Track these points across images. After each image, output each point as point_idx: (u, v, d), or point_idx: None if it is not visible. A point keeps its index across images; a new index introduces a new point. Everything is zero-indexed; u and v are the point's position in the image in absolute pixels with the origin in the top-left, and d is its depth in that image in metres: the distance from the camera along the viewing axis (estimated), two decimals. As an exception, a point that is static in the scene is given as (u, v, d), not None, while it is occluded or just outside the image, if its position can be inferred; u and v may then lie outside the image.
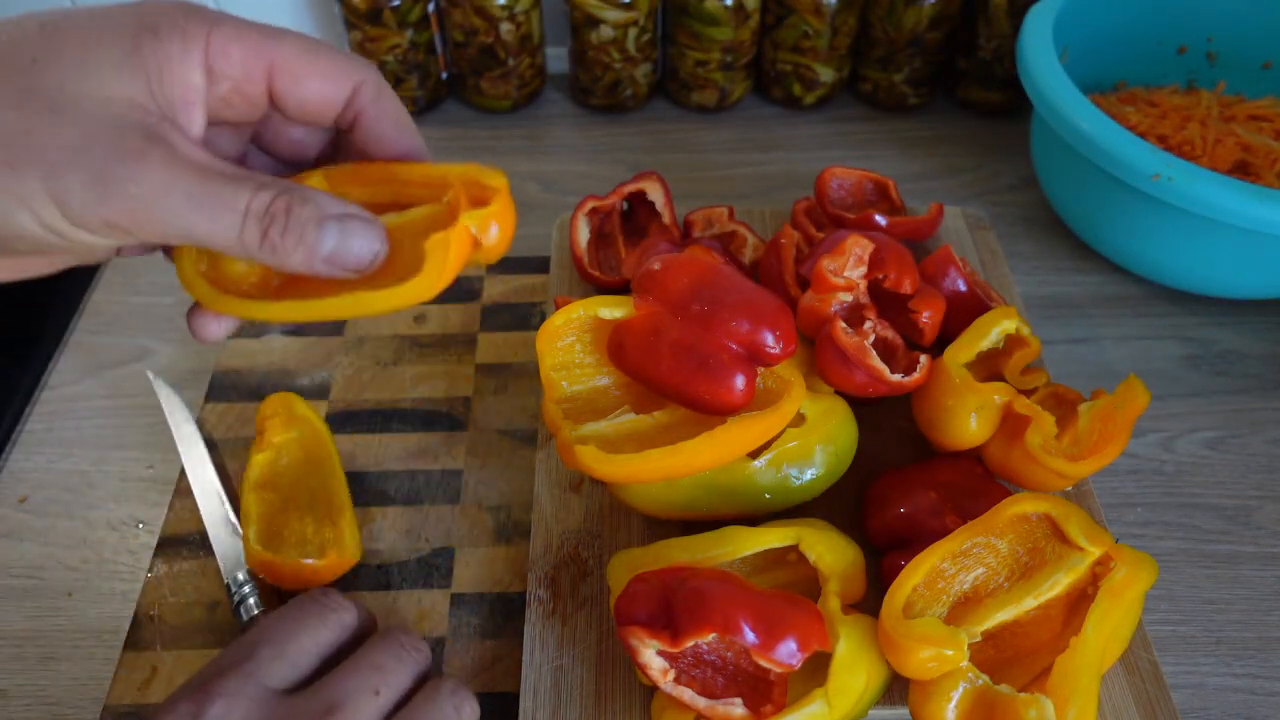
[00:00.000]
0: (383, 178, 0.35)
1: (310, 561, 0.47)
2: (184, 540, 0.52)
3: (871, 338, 0.47)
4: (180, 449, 0.54)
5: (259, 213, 0.29)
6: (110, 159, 0.27)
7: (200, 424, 0.56)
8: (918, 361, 0.47)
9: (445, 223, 0.33)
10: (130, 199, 0.27)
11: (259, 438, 0.53)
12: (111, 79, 0.28)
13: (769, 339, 0.42)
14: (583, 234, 0.59)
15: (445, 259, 0.32)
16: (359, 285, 0.32)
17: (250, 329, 0.62)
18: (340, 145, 0.37)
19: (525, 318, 0.63)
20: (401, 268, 0.32)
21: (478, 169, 0.34)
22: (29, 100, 0.27)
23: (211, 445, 0.56)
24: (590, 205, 0.59)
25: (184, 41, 0.29)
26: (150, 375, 0.58)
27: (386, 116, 0.33)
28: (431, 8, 0.76)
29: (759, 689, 0.39)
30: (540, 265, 0.65)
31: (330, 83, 0.32)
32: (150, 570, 0.50)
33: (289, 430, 0.53)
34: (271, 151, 0.37)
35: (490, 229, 0.33)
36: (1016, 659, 0.40)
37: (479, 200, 0.33)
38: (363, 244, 0.30)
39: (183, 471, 0.54)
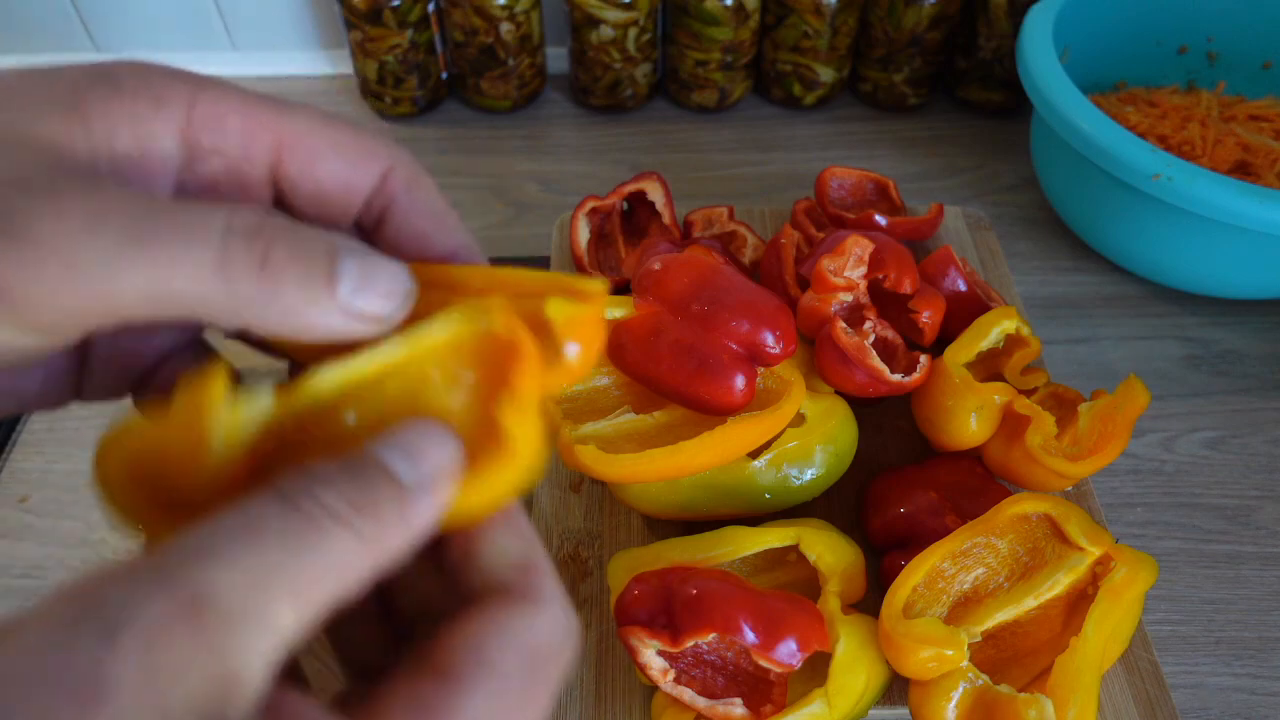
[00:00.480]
0: (443, 281, 0.25)
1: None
2: (184, 540, 0.51)
3: (871, 338, 0.47)
4: None
5: (247, 230, 0.20)
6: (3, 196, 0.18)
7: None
8: (918, 361, 0.47)
9: (502, 355, 0.22)
10: (33, 248, 0.18)
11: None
12: (35, 120, 0.20)
13: (769, 339, 0.42)
14: (583, 234, 0.59)
15: (529, 426, 0.21)
16: None
17: (250, 329, 0.62)
18: None
19: (525, 318, 0.63)
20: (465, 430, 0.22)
21: (569, 277, 0.24)
22: None
23: None
24: (590, 205, 0.59)
25: (156, 105, 0.21)
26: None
27: (423, 209, 0.26)
28: (431, 8, 0.76)
29: (759, 689, 0.39)
30: (540, 265, 0.65)
31: (354, 166, 0.24)
32: (150, 570, 0.50)
33: None
34: None
35: (566, 346, 0.23)
36: (1016, 659, 0.40)
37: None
38: (390, 280, 0.22)
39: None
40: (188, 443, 0.19)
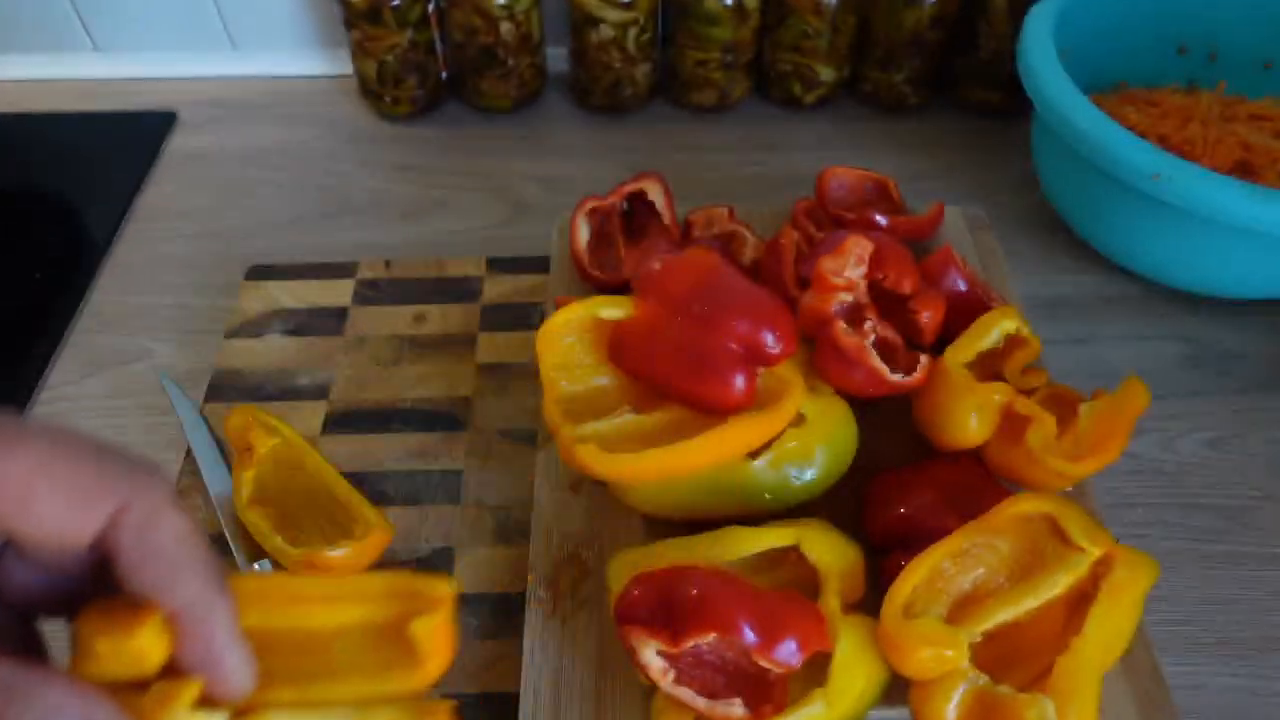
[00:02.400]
0: (285, 595, 0.28)
1: (339, 552, 0.45)
2: (184, 540, 0.51)
3: (871, 338, 0.47)
4: (194, 451, 0.54)
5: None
6: None
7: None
8: (918, 361, 0.47)
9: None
10: None
11: (244, 454, 0.51)
12: None
13: (769, 339, 0.42)
14: (583, 234, 0.59)
15: (437, 640, 0.27)
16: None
17: (250, 327, 0.62)
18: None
19: (525, 318, 0.63)
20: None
21: (415, 582, 0.28)
22: None
23: (221, 446, 0.55)
24: (590, 205, 0.59)
25: None
26: (164, 379, 0.58)
27: (155, 555, 0.23)
28: (431, 7, 0.76)
29: (759, 689, 0.39)
30: (540, 265, 0.65)
31: (75, 509, 0.22)
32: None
33: (271, 437, 0.51)
34: None
35: (429, 641, 0.27)
36: (1017, 659, 0.39)
37: (406, 626, 0.27)
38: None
39: (182, 471, 0.54)
40: None
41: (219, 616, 0.24)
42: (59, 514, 0.22)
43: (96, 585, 0.24)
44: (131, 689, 0.23)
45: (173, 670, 0.24)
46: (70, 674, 0.23)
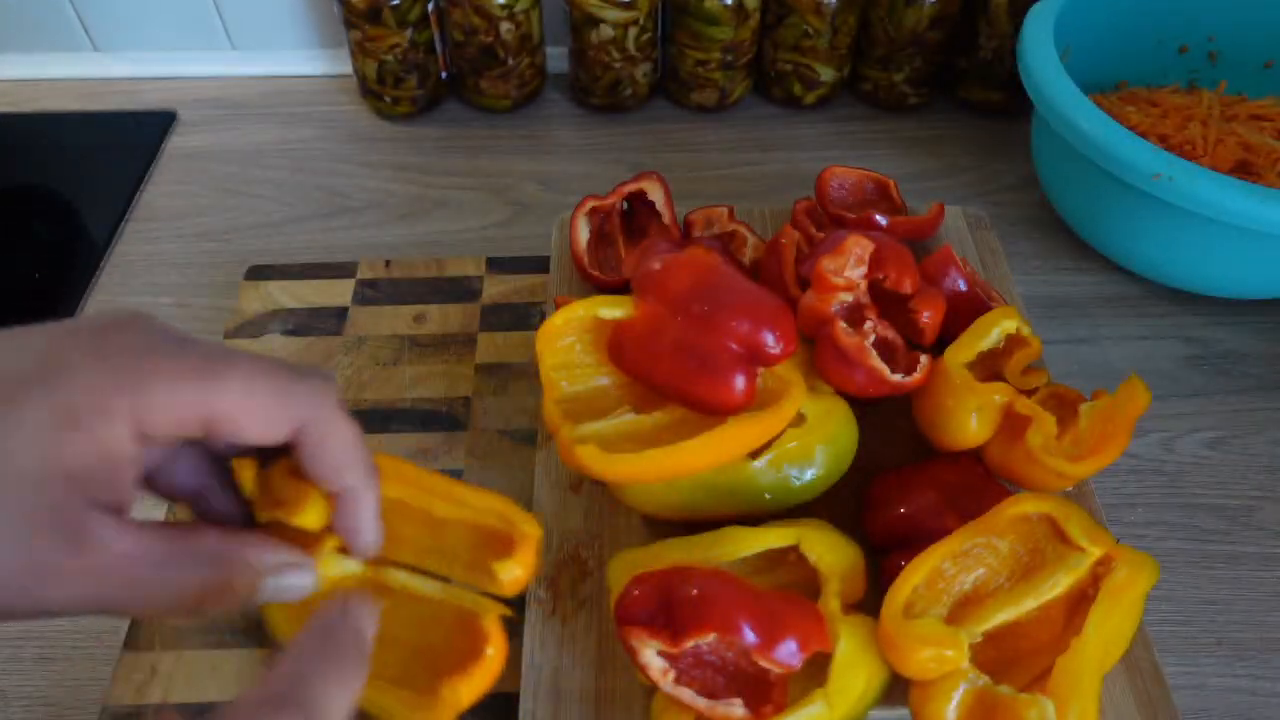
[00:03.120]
0: (421, 485, 0.36)
1: (511, 575, 0.36)
2: (183, 540, 0.51)
3: (871, 338, 0.47)
4: None
5: (195, 593, 0.28)
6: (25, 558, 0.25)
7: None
8: (918, 361, 0.47)
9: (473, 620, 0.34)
10: (32, 600, 0.26)
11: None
12: (36, 463, 0.25)
13: (769, 339, 0.42)
14: (583, 234, 0.59)
15: (520, 562, 0.35)
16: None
17: (249, 327, 0.62)
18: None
19: (525, 318, 0.63)
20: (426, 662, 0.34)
21: (513, 511, 0.35)
22: None
23: None
24: (590, 205, 0.59)
25: (108, 423, 0.26)
26: None
27: (327, 458, 0.31)
28: (431, 7, 0.76)
29: (759, 689, 0.39)
30: (540, 265, 0.65)
31: (272, 425, 0.29)
32: (149, 570, 0.50)
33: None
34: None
35: (511, 571, 0.35)
36: (1017, 659, 0.39)
37: (505, 539, 0.35)
38: (295, 588, 0.31)
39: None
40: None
41: (365, 502, 0.32)
42: (261, 428, 0.29)
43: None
44: (298, 534, 0.32)
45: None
46: (259, 533, 0.32)
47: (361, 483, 0.32)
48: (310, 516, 0.32)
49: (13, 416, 0.25)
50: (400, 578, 0.36)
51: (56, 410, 0.26)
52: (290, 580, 0.31)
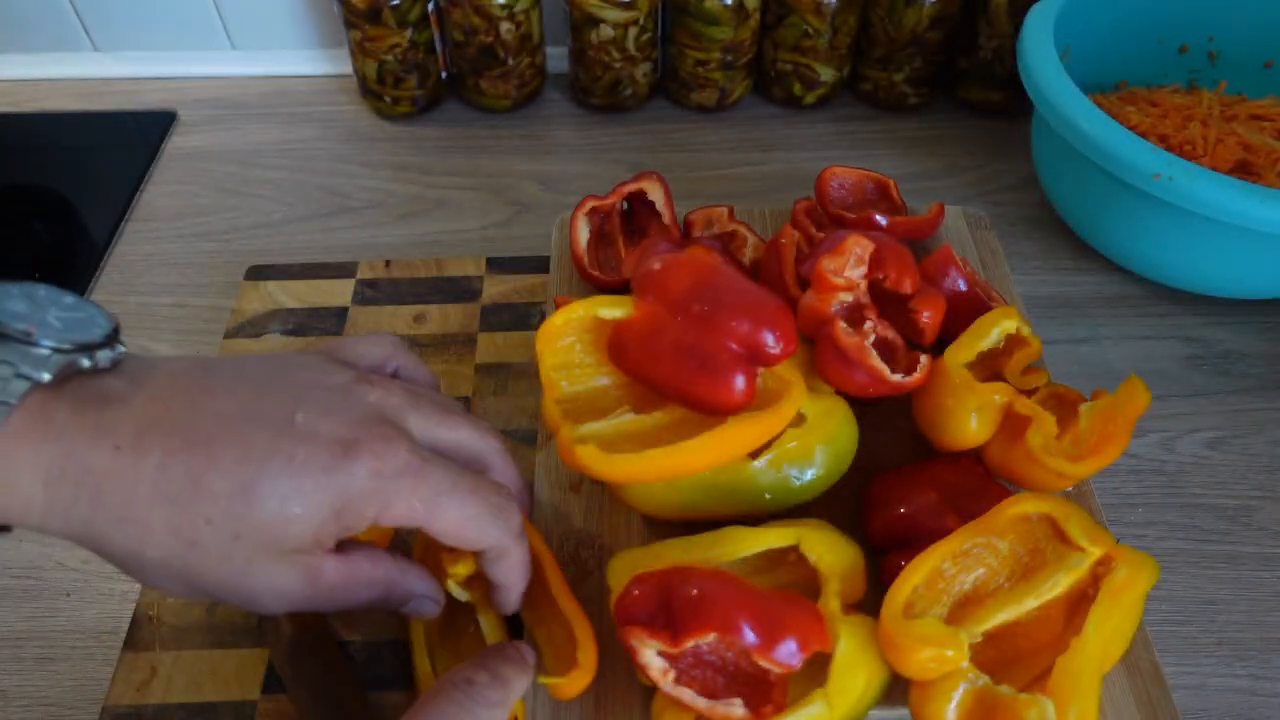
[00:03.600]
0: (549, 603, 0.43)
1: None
2: (183, 540, 0.51)
3: (871, 338, 0.47)
4: None
5: (366, 605, 0.37)
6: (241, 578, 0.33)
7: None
8: (918, 361, 0.47)
9: None
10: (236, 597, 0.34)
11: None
12: (305, 530, 0.33)
13: (769, 339, 0.42)
14: (583, 234, 0.59)
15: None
16: None
17: (249, 327, 0.62)
18: None
19: (525, 318, 0.63)
20: None
21: (583, 629, 0.42)
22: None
23: None
24: (590, 205, 0.59)
25: (359, 519, 0.34)
26: None
27: (498, 571, 0.40)
28: (431, 7, 0.76)
29: (759, 689, 0.39)
30: (540, 265, 0.65)
31: (469, 545, 0.38)
32: (149, 570, 0.50)
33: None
34: None
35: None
36: (1017, 659, 0.39)
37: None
38: (425, 614, 0.41)
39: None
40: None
41: (515, 592, 0.41)
42: (455, 544, 0.38)
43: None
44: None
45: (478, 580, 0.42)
46: (418, 567, 0.40)
47: (517, 585, 0.41)
48: (463, 569, 0.41)
49: (309, 488, 0.33)
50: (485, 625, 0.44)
51: (335, 502, 0.34)
52: (424, 609, 0.40)
